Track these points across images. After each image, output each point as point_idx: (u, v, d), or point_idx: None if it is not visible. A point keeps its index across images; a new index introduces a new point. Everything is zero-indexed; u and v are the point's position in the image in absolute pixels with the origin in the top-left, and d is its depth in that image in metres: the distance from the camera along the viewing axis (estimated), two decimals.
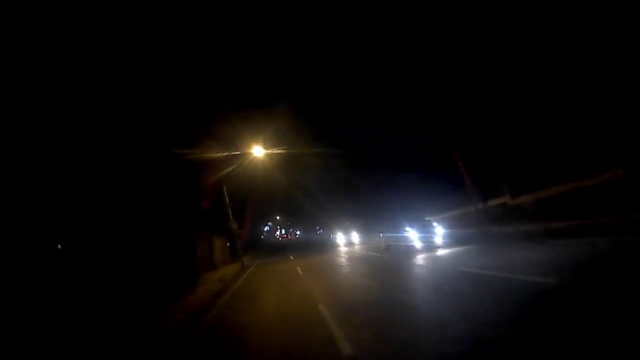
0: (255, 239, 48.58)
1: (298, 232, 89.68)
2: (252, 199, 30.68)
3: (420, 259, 9.75)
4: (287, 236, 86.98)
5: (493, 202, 20.48)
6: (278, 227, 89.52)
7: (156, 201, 11.94)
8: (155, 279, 11.16)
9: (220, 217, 18.63)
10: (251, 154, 16.26)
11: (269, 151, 16.54)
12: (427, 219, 14.23)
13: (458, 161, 20.97)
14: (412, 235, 10.90)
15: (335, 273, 10.65)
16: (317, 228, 79.01)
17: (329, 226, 54.48)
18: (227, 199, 16.69)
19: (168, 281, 11.62)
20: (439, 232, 11.27)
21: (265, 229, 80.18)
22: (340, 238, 23.67)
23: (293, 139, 17.71)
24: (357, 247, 20.56)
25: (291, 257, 20.02)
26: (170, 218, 12.67)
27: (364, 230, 26.88)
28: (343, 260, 14.18)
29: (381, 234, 13.10)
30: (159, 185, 12.19)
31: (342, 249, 21.00)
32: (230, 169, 16.99)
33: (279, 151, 17.02)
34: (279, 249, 35.72)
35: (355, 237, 24.48)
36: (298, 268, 13.23)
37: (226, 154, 16.01)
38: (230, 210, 16.69)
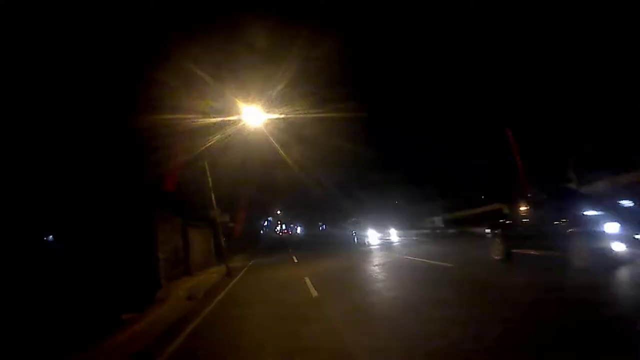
0: (252, 234, 44.32)
1: (299, 228, 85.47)
2: (249, 188, 26.19)
3: None
4: (287, 231, 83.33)
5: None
6: (279, 222, 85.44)
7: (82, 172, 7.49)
8: (73, 294, 6.75)
9: (202, 206, 14.19)
10: (240, 121, 11.72)
11: (267, 116, 11.97)
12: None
13: (510, 140, 16.26)
14: (610, 228, 5.41)
15: (392, 313, 4.93)
16: (320, 224, 74.66)
17: (338, 220, 49.67)
18: (209, 178, 12.19)
19: (97, 298, 7.24)
20: None
21: (265, 223, 76.24)
22: (372, 236, 16.93)
23: (303, 100, 13.04)
24: (404, 250, 13.17)
25: (295, 260, 15.49)
26: (108, 197, 8.24)
27: (403, 226, 19.96)
28: (379, 275, 8.31)
29: (487, 230, 8.15)
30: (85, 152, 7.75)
31: (378, 253, 13.57)
32: (212, 141, 12.47)
33: (282, 117, 12.44)
34: (280, 246, 31.27)
35: (394, 234, 18.11)
36: (307, 280, 8.72)
37: (201, 118, 11.46)
38: (213, 195, 12.21)
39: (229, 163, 18.39)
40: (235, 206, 25.02)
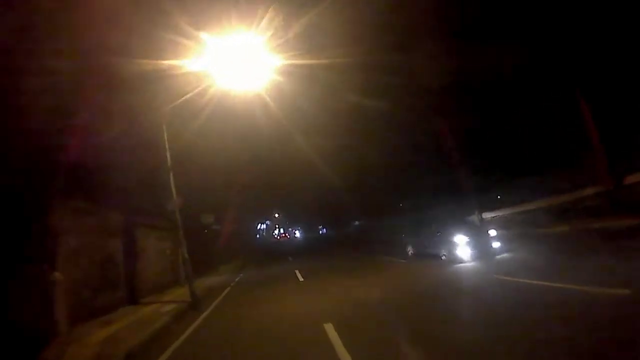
0: (247, 238, 39.82)
1: (297, 232, 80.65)
2: (241, 182, 21.65)
3: None
4: (285, 235, 78.90)
5: (634, 178, 11.00)
6: (277, 226, 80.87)
7: None
8: None
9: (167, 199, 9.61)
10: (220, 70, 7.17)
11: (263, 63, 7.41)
12: None
13: (581, 103, 11.71)
14: None
15: None
16: (320, 227, 69.79)
17: (341, 223, 44.61)
18: (167, 150, 7.67)
19: None
20: None
21: (263, 227, 71.76)
22: (461, 243, 9.27)
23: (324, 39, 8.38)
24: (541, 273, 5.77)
25: (299, 277, 10.82)
26: None
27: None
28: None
29: None
30: None
31: (470, 274, 7.38)
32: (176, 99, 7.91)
33: (292, 61, 7.83)
34: (277, 253, 26.64)
35: (495, 239, 9.57)
36: (334, 340, 4.15)
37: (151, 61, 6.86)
38: (172, 176, 7.69)
39: (214, 146, 13.94)
40: (224, 203, 20.47)
